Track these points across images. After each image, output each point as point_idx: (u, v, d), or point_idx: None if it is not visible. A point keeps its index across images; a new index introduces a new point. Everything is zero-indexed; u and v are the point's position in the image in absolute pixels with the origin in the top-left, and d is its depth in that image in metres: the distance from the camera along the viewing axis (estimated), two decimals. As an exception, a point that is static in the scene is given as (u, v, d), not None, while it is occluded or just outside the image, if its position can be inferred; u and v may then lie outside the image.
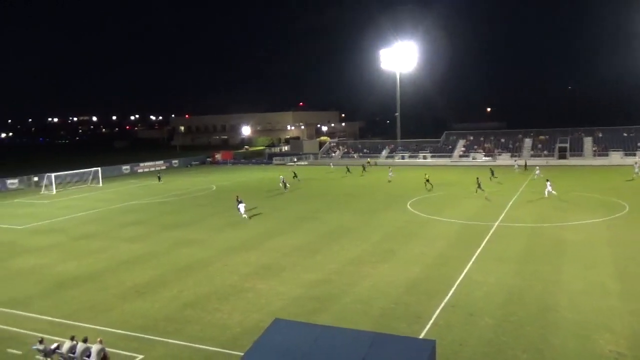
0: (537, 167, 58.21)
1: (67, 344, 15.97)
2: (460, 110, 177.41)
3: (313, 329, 14.01)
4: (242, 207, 38.44)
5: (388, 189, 51.92)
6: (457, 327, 17.77)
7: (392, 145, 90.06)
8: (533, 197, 42.91)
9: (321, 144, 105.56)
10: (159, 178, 67.73)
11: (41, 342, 16.37)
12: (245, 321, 19.12)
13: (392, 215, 37.94)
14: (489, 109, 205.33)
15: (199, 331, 18.40)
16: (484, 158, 78.15)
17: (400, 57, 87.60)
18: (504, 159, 74.63)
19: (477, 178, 46.39)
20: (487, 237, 30.16)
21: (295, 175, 60.54)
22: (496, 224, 33.55)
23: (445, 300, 20.33)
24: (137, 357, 16.52)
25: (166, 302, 21.45)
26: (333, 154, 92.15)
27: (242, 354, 13.86)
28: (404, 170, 69.23)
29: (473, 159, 78.84)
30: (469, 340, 16.80)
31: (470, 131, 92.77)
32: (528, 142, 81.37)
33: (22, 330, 18.99)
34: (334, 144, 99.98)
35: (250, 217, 38.42)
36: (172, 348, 17.15)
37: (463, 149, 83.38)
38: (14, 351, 17.28)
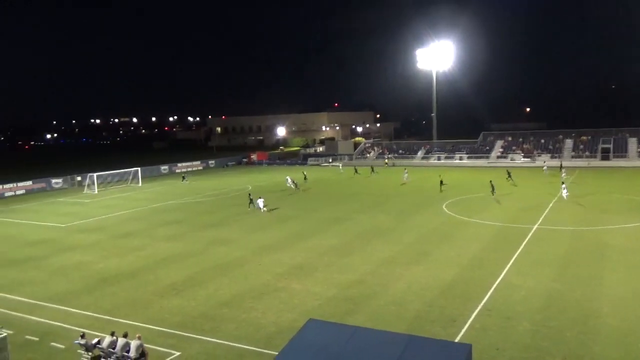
0: (564, 170, 56.21)
1: (107, 339, 16.47)
2: (498, 111, 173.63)
3: (347, 330, 14.00)
4: (260, 202, 41.88)
5: (423, 190, 51.33)
6: (494, 332, 17.45)
7: (428, 146, 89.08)
8: (573, 200, 41.69)
9: (356, 145, 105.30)
10: (183, 178, 69.03)
11: (83, 336, 16.94)
12: (279, 320, 19.26)
13: (427, 216, 37.53)
14: (528, 109, 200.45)
15: (234, 329, 18.65)
16: (522, 159, 76.43)
17: (437, 56, 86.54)
18: (544, 160, 72.71)
19: (491, 181, 46.08)
20: (526, 240, 29.50)
21: (305, 178, 60.04)
22: (535, 226, 32.76)
23: (482, 303, 19.99)
24: (174, 354, 16.87)
25: (202, 300, 21.82)
26: (368, 155, 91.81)
27: (276, 353, 13.98)
28: (437, 172, 68.27)
29: (511, 160, 77.19)
30: (506, 345, 16.47)
31: (508, 132, 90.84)
32: (569, 142, 79.19)
33: (65, 325, 19.66)
34: (369, 145, 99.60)
35: (270, 211, 41.26)
36: (208, 345, 17.44)
37: (501, 149, 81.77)
38: (58, 345, 17.91)
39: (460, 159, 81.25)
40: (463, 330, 17.67)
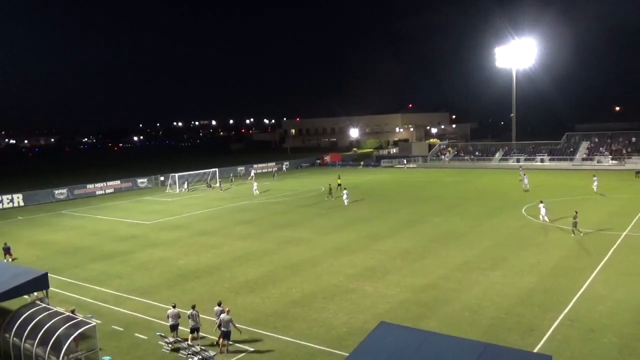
0: (595, 179, 48.16)
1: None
2: (584, 110, 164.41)
3: (420, 335, 13.75)
4: (255, 185, 56.97)
5: (503, 193, 49.46)
6: (576, 344, 16.51)
7: (507, 148, 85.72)
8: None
9: (431, 146, 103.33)
10: (274, 176, 72.06)
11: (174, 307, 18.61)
12: (350, 322, 19.28)
13: (505, 220, 36.13)
14: (617, 108, 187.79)
15: (305, 329, 18.88)
16: (611, 161, 71.71)
17: (517, 54, 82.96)
18: (635, 163, 67.72)
19: (329, 184, 50.68)
20: (614, 247, 27.65)
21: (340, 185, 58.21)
22: (624, 233, 30.66)
23: (563, 313, 18.97)
24: (247, 350, 17.35)
25: (275, 299, 22.28)
26: (443, 157, 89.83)
27: (346, 354, 14.01)
28: (517, 174, 65.46)
29: (598, 162, 72.64)
30: (590, 358, 15.54)
31: (595, 132, 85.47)
32: (664, 143, 73.25)
33: (147, 317, 20.78)
34: (444, 146, 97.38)
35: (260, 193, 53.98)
36: (279, 343, 17.78)
37: (586, 151, 77.16)
38: (141, 336, 18.96)
39: (542, 161, 77.52)
40: (542, 341, 16.85)
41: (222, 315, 17.41)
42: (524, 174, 53.49)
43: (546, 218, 34.59)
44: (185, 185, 64.13)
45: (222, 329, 17.30)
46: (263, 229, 37.00)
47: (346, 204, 45.58)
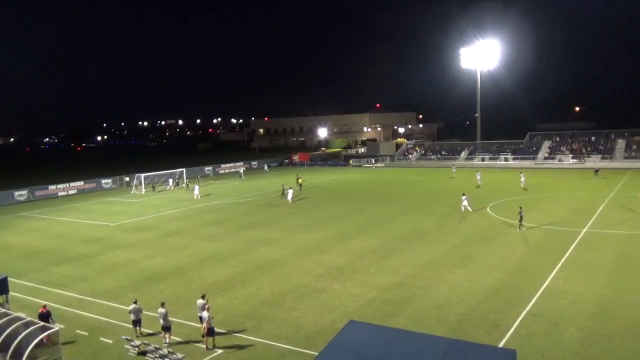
0: (522, 175, 51.63)
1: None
2: (546, 111, 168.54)
3: (388, 332, 13.89)
4: (196, 188, 54.03)
5: (469, 192, 50.30)
6: (540, 337, 16.95)
7: (472, 147, 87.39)
8: (627, 203, 40.01)
9: (398, 146, 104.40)
10: (240, 176, 71.19)
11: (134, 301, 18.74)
12: (319, 321, 19.31)
13: (470, 219, 36.80)
14: (577, 108, 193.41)
15: (274, 329, 18.82)
16: (571, 160, 73.90)
17: (482, 55, 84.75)
18: (594, 161, 69.95)
19: (282, 184, 51.65)
20: (574, 243, 28.52)
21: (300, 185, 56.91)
22: (584, 230, 31.64)
23: (527, 308, 19.46)
24: (216, 352, 17.18)
25: (244, 299, 22.13)
26: (410, 156, 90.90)
27: (316, 353, 14.03)
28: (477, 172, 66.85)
29: (559, 161, 74.80)
30: (553, 351, 15.97)
31: (556, 132, 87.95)
32: (621, 143, 75.90)
33: (112, 321, 20.34)
34: (411, 146, 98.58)
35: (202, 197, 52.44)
36: (249, 343, 17.67)
37: (548, 150, 79.33)
38: (106, 340, 18.54)
39: (506, 160, 79.29)
40: (507, 336, 17.25)
41: (203, 313, 17.45)
42: (477, 171, 57.34)
43: (469, 208, 38.29)
44: (170, 183, 64.94)
45: (204, 325, 17.22)
46: (231, 230, 36.71)
47: (290, 201, 47.07)
